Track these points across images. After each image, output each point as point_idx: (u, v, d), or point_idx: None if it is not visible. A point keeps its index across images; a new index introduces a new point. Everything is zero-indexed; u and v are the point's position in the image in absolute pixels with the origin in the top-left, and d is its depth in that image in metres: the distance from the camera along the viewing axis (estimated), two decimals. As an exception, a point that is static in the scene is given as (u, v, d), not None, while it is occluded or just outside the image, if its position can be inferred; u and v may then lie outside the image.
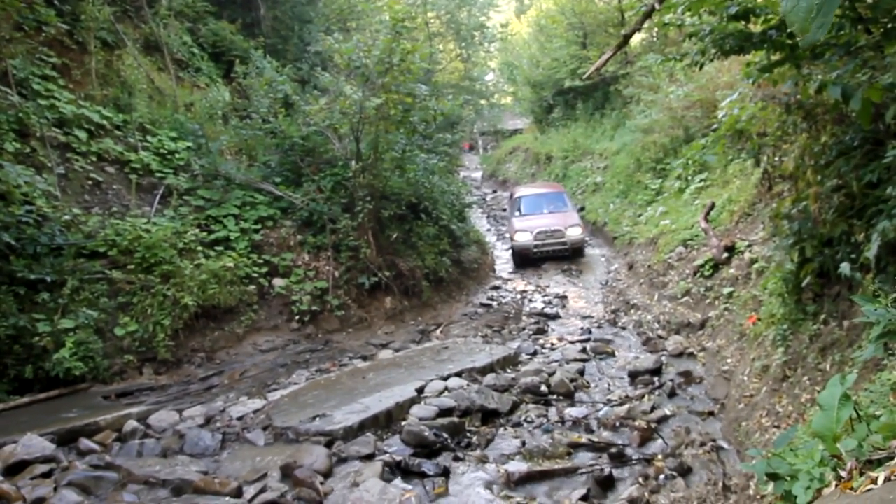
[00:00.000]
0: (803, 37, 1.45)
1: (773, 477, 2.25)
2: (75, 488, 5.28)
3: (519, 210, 18.14)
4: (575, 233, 16.56)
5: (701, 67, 6.27)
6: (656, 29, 21.51)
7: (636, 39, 21.53)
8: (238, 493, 5.31)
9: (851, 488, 1.96)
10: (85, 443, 6.32)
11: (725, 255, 10.25)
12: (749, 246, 9.85)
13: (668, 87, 16.70)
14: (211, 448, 6.40)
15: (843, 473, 2.06)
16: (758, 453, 2.44)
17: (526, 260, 16.80)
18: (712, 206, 12.16)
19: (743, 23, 5.61)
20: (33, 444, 5.88)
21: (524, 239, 16.54)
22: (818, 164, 5.81)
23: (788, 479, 2.20)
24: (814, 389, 5.42)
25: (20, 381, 7.50)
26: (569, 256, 16.66)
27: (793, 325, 6.36)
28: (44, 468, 5.63)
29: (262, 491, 5.41)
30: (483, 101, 33.15)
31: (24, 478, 5.46)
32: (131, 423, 6.74)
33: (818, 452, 2.17)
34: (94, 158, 10.29)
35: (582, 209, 19.10)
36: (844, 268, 4.93)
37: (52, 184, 9.08)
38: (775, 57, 5.54)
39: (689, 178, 14.98)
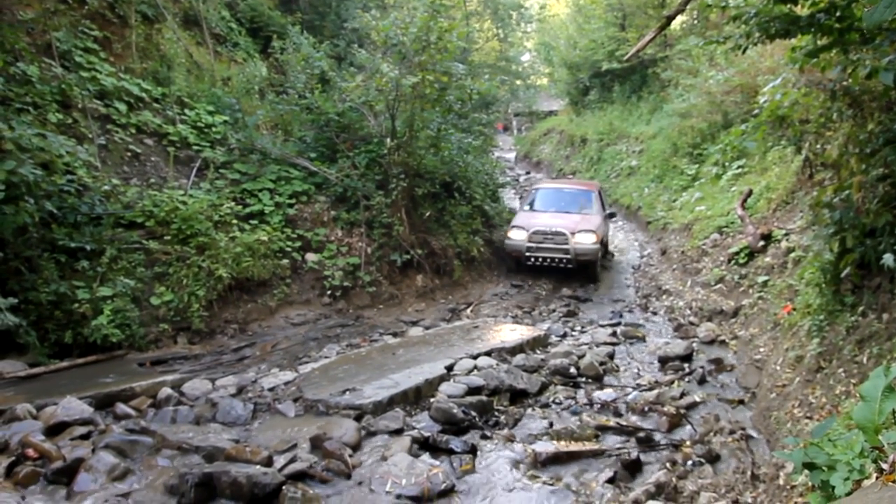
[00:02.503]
0: (869, 15, 1.41)
1: (810, 466, 2.23)
2: (112, 451, 5.40)
3: (531, 204, 14.81)
4: (585, 241, 12.68)
5: (744, 51, 6.17)
6: (697, 11, 21.12)
7: (676, 22, 21.15)
8: (269, 463, 5.39)
9: (894, 481, 1.94)
10: (121, 407, 6.47)
11: (761, 243, 10.13)
12: (786, 234, 9.72)
13: (708, 72, 16.42)
14: (242, 417, 6.50)
15: (884, 466, 2.04)
16: (794, 442, 2.42)
17: (519, 265, 13.45)
18: (749, 194, 11.99)
19: (789, 6, 5.49)
20: (73, 406, 6.04)
21: (518, 238, 13.05)
22: (863, 153, 5.69)
23: (826, 469, 2.18)
24: (849, 382, 5.36)
25: (60, 345, 7.68)
26: (573, 271, 13.11)
27: (829, 315, 6.27)
28: (82, 430, 5.78)
29: (292, 461, 5.48)
30: (518, 82, 32.80)
31: (63, 438, 5.61)
32: (166, 391, 6.87)
33: (859, 443, 2.14)
34: (134, 130, 10.43)
35: (612, 215, 15.33)
36: (888, 259, 4.85)
37: (92, 154, 9.23)
38: (822, 41, 5.42)
39: (727, 164, 14.75)
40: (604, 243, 13.76)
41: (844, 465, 2.09)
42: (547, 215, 13.75)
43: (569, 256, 12.66)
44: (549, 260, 12.78)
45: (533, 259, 12.87)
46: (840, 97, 5.92)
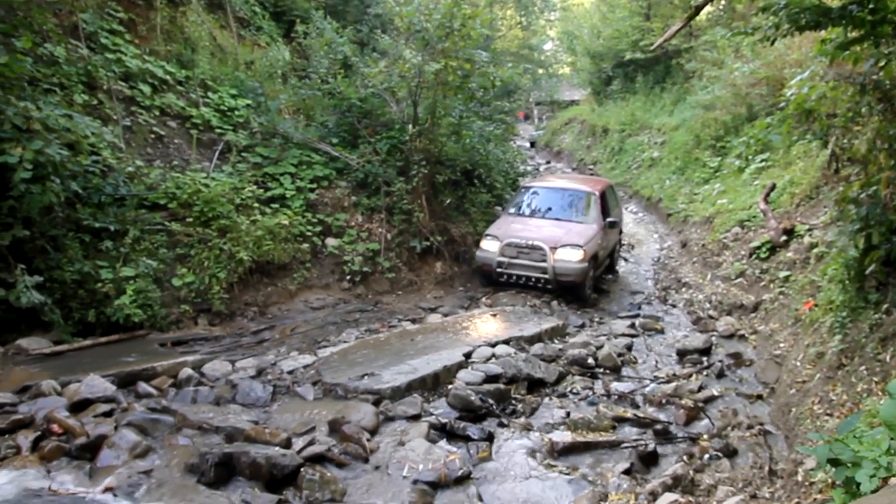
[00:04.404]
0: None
1: (835, 463, 2.22)
2: (134, 428, 5.49)
3: (518, 207, 12.51)
4: (568, 258, 10.56)
5: (773, 43, 6.09)
6: (724, 1, 20.88)
7: (702, 12, 20.91)
8: (287, 444, 5.44)
9: (921, 479, 1.93)
10: (143, 386, 6.55)
11: (784, 237, 10.04)
12: (809, 230, 9.63)
13: (733, 63, 16.25)
14: (262, 399, 6.56)
15: (911, 463, 2.03)
16: (819, 437, 2.41)
17: (491, 281, 11.34)
18: (773, 188, 11.88)
19: (821, -4, 5.41)
20: (96, 384, 6.13)
21: (489, 249, 11.03)
22: (892, 149, 5.61)
23: (851, 465, 2.16)
24: (871, 380, 5.32)
25: (83, 324, 7.77)
26: (553, 292, 10.95)
27: (852, 312, 6.22)
28: (105, 407, 5.86)
29: (311, 443, 5.53)
30: (541, 71, 32.70)
31: (87, 415, 5.69)
32: (186, 371, 6.94)
33: (886, 441, 2.13)
34: (157, 113, 10.50)
35: (613, 224, 12.26)
36: (914, 257, 4.80)
37: (117, 136, 9.29)
38: (853, 34, 5.34)
39: (750, 157, 14.64)
40: (598, 259, 11.48)
41: (870, 462, 2.08)
42: (530, 222, 11.75)
43: (546, 276, 10.62)
44: (523, 279, 10.84)
45: (505, 276, 10.95)
46: (870, 91, 5.83)
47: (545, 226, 11.47)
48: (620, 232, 13.86)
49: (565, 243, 10.69)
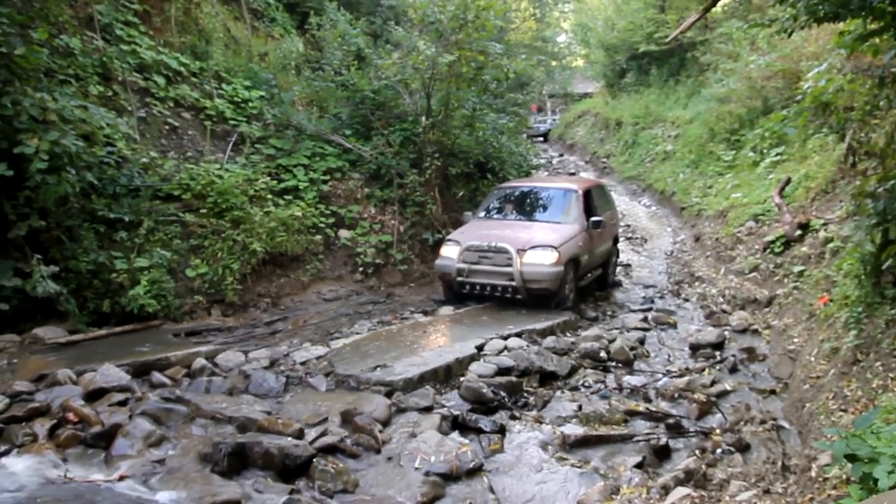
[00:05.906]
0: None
1: (852, 458, 2.20)
2: (148, 418, 5.53)
3: (487, 209, 11.09)
4: (539, 262, 9.23)
5: (790, 35, 6.04)
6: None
7: (718, 4, 20.74)
8: (300, 435, 5.46)
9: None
10: (157, 376, 6.58)
11: (798, 232, 9.96)
12: (825, 224, 9.55)
13: (749, 56, 16.10)
14: (275, 390, 6.58)
15: (930, 459, 2.01)
16: (835, 433, 2.39)
17: (451, 292, 10.06)
18: (788, 182, 11.79)
19: (840, -12, 5.35)
20: (111, 373, 6.17)
21: (449, 255, 9.68)
22: (911, 142, 5.56)
23: (868, 461, 2.15)
24: (887, 375, 5.28)
25: (98, 314, 7.85)
26: (521, 302, 9.50)
27: (868, 308, 6.16)
28: (120, 397, 5.90)
29: (323, 434, 5.54)
30: (554, 63, 32.56)
31: (102, 404, 5.74)
32: (200, 361, 6.97)
33: (904, 436, 2.12)
34: (172, 104, 10.55)
35: (598, 224, 10.30)
36: (932, 252, 4.75)
37: (132, 127, 9.35)
38: (873, 25, 5.28)
39: (765, 151, 14.52)
40: (581, 264, 10.10)
41: (888, 458, 2.06)
42: (498, 225, 10.40)
43: (513, 283, 9.25)
44: (487, 287, 9.48)
45: (468, 286, 9.62)
46: (889, 84, 5.78)
47: (515, 227, 10.17)
48: (616, 241, 12.58)
49: (536, 244, 9.36)
